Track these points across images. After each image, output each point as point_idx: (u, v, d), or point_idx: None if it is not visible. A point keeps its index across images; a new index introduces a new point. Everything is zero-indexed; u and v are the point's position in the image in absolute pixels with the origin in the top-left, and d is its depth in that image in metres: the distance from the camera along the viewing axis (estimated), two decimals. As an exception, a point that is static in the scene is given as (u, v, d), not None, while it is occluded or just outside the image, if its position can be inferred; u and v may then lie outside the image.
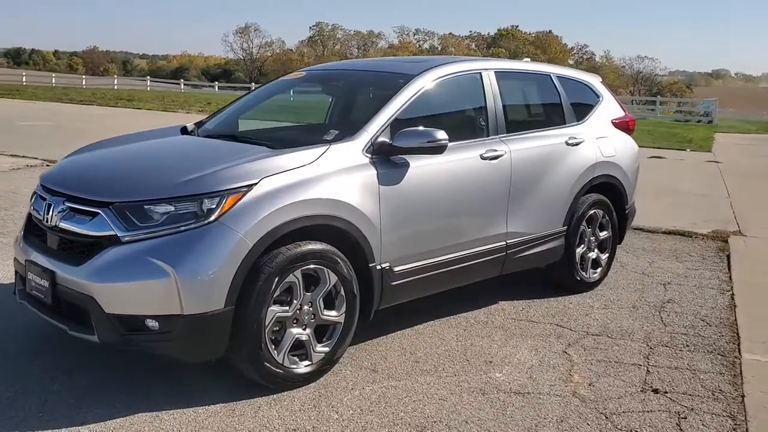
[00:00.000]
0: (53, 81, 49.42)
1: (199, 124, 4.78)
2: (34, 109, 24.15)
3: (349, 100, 5.03)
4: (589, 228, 5.39)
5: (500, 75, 4.81)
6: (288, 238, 3.46)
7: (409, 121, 4.14)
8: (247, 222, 3.28)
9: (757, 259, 6.74)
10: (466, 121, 4.70)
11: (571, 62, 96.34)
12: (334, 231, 3.65)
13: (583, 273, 5.38)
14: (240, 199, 3.32)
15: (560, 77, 5.40)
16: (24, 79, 49.25)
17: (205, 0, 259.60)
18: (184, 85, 51.07)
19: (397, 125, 4.02)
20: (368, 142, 3.88)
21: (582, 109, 5.47)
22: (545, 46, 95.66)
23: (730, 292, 5.58)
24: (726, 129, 28.64)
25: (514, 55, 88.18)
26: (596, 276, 5.50)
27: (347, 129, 4.06)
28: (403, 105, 4.12)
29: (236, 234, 3.25)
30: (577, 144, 5.17)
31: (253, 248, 3.30)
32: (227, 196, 3.30)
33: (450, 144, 4.17)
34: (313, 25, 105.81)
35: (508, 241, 4.68)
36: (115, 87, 45.34)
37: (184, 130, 4.61)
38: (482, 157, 4.42)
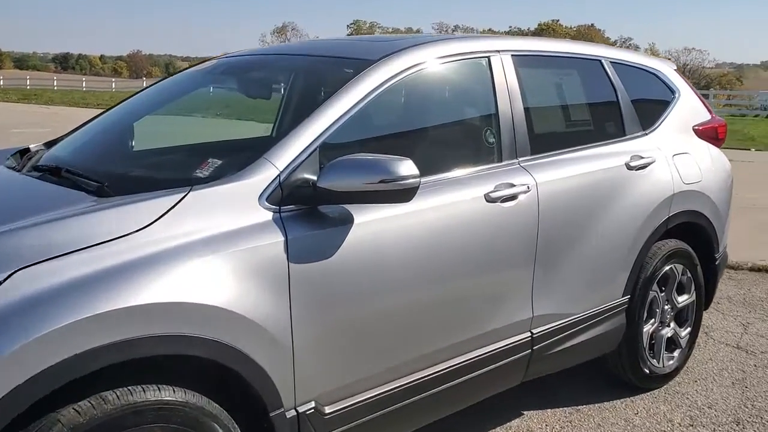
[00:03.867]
0: (83, 85, 49.03)
1: (50, 144, 3.08)
2: (42, 114, 22.98)
3: (279, 101, 3.23)
4: (662, 292, 3.54)
5: (522, 61, 2.99)
6: (82, 388, 1.73)
7: (356, 142, 2.40)
8: (-37, 372, 1.56)
9: None
10: (461, 139, 2.88)
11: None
12: (194, 364, 1.91)
13: (654, 361, 3.52)
14: (-46, 320, 1.59)
15: (616, 63, 3.54)
16: (55, 83, 48.90)
17: (246, 1, 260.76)
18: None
19: (333, 150, 2.28)
20: (272, 182, 2.12)
21: (650, 112, 3.61)
22: (587, 40, 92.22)
23: None
24: (789, 124, 26.15)
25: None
26: (673, 363, 3.64)
27: (237, 157, 2.32)
28: (345, 113, 2.34)
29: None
30: (644, 167, 3.32)
31: (-22, 427, 1.57)
32: None
33: (430, 179, 2.43)
34: (351, 23, 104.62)
35: (533, 331, 2.87)
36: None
37: (24, 152, 2.92)
38: (489, 199, 2.61)
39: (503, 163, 2.77)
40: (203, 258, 1.91)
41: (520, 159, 2.82)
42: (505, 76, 2.86)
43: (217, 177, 2.15)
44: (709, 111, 3.99)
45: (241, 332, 1.94)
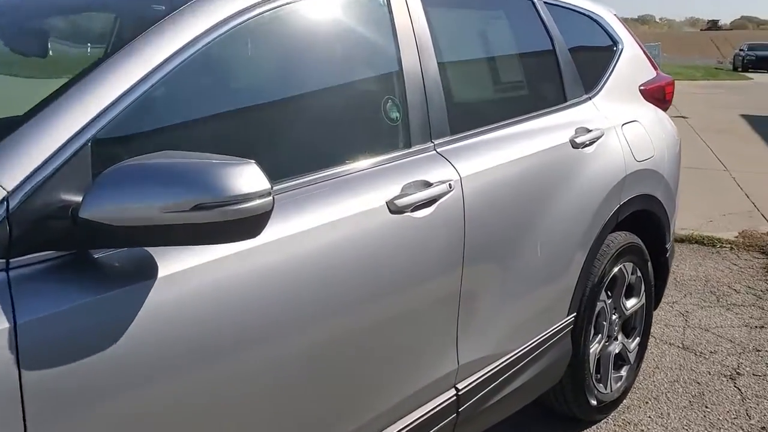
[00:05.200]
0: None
1: None
2: None
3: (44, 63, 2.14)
4: (609, 299, 2.79)
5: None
6: None
7: (163, 132, 1.42)
8: None
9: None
10: (349, 115, 1.89)
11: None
12: None
13: (601, 387, 2.79)
14: None
15: (550, 4, 2.68)
16: None
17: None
18: None
19: (119, 149, 1.30)
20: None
21: (591, 69, 2.80)
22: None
23: None
24: (673, 76, 26.74)
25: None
26: (621, 384, 2.92)
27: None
28: (142, 81, 1.34)
29: None
30: (591, 142, 2.51)
31: None
32: None
33: (298, 183, 1.48)
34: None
35: (459, 387, 2.01)
36: None
37: None
38: (395, 208, 1.70)
39: (413, 149, 1.86)
40: None
41: (437, 142, 1.92)
42: (411, 19, 1.93)
43: None
44: (654, 66, 3.25)
45: None
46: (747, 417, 2.88)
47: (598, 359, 2.76)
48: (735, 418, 2.88)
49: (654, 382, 3.17)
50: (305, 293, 1.48)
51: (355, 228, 1.60)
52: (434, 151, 1.90)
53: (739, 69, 36.77)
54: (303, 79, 1.74)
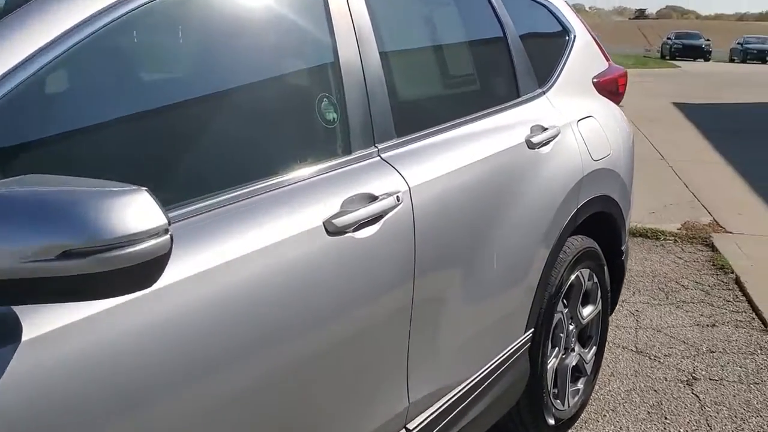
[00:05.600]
0: None
1: None
2: None
3: None
4: (566, 308, 2.59)
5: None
6: None
7: (30, 148, 1.11)
8: None
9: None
10: (276, 118, 1.56)
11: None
12: None
13: (558, 404, 2.59)
14: None
15: (500, -9, 2.43)
16: None
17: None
18: None
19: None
20: None
21: (543, 60, 2.58)
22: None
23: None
24: (605, 64, 27.18)
25: None
26: (578, 398, 2.73)
27: None
28: (6, 78, 1.03)
29: None
30: (547, 142, 2.29)
31: None
32: None
33: (213, 203, 1.18)
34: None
35: (409, 427, 1.76)
36: None
37: None
38: (333, 229, 1.42)
39: (354, 155, 1.58)
40: None
41: (381, 146, 1.65)
42: (349, 4, 1.65)
43: None
44: (606, 57, 3.05)
45: None
46: (708, 427, 2.74)
47: (555, 373, 2.57)
48: (696, 429, 2.73)
49: (610, 391, 3.00)
50: (219, 341, 1.20)
51: (286, 256, 1.32)
52: (378, 158, 1.63)
53: (667, 57, 37.74)
54: (219, 74, 1.43)
